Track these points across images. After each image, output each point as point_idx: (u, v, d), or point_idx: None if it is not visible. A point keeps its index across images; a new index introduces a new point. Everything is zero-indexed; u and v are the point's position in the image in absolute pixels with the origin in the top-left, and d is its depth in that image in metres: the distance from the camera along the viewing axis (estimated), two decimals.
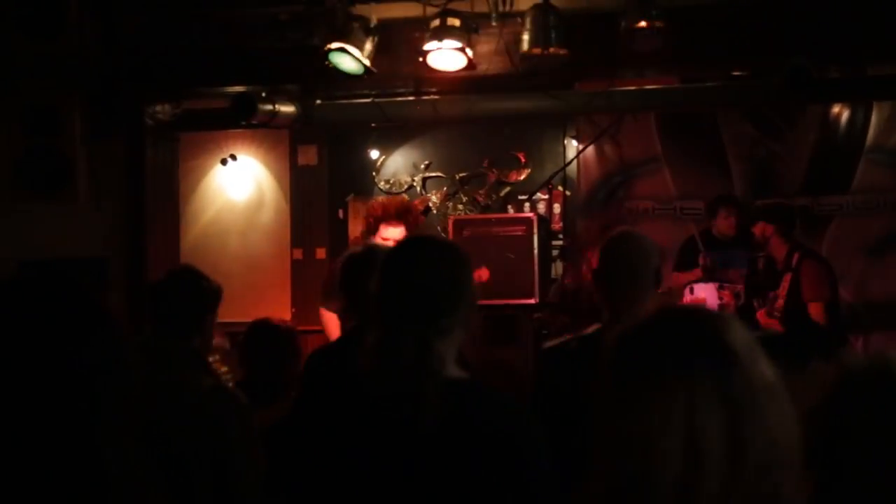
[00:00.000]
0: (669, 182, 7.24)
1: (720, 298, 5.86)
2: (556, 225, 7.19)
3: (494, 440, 1.89)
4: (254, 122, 5.74)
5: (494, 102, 5.97)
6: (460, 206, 7.41)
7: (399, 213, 5.55)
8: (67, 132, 5.16)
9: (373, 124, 6.73)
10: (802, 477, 1.27)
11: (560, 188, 7.19)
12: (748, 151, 7.12)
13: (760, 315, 5.72)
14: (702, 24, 4.94)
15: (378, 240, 5.43)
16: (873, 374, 1.39)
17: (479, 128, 7.19)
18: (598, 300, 3.00)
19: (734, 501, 1.23)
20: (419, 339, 1.92)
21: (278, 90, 5.77)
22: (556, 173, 7.02)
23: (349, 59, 5.00)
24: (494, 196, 7.38)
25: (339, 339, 3.78)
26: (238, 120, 5.70)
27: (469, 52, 4.99)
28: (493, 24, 5.06)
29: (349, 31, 4.97)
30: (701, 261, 6.13)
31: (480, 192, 7.40)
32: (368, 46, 5.04)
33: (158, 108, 5.78)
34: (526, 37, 4.90)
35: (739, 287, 6.00)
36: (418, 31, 5.05)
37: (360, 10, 5.06)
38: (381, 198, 6.51)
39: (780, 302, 5.66)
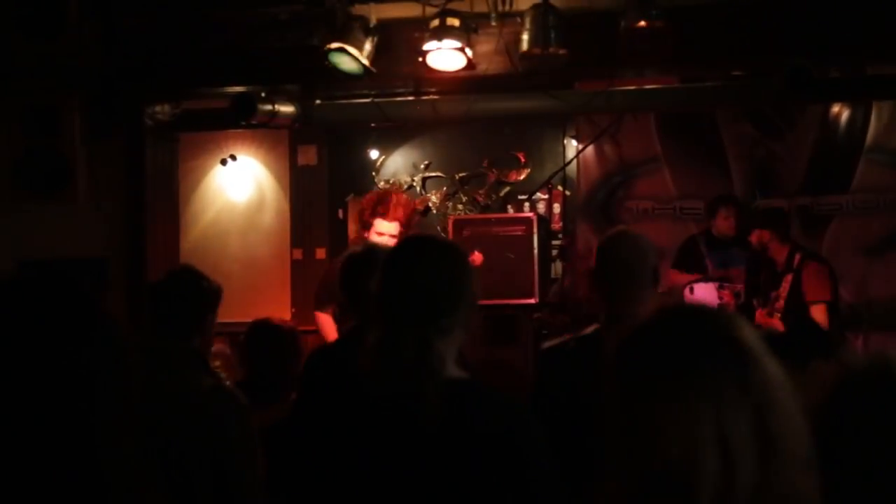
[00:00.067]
0: (669, 182, 7.24)
1: (720, 298, 5.87)
2: (556, 225, 7.19)
3: (495, 440, 1.89)
4: (253, 122, 5.74)
5: (494, 102, 5.96)
6: (460, 206, 7.41)
7: (394, 207, 5.53)
8: (67, 132, 5.15)
9: (372, 124, 6.74)
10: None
11: (560, 188, 7.19)
12: (748, 151, 7.12)
13: (760, 315, 5.72)
14: (702, 24, 4.94)
15: (373, 235, 5.42)
16: (873, 374, 1.39)
17: (479, 128, 7.19)
18: (596, 300, 3.00)
19: (770, 499, 1.22)
20: (419, 339, 1.92)
21: (278, 90, 5.76)
22: (556, 173, 7.03)
23: (349, 59, 5.00)
24: (494, 196, 7.37)
25: (339, 339, 3.78)
26: (238, 120, 5.69)
27: (468, 51, 4.98)
28: (493, 23, 5.05)
29: (348, 32, 4.97)
30: (709, 268, 6.16)
31: (480, 191, 7.40)
32: (368, 46, 5.04)
33: (158, 108, 5.78)
34: (525, 36, 4.90)
35: (739, 287, 6.01)
36: (418, 31, 5.04)
37: (359, 10, 5.05)
38: (373, 191, 6.47)
39: (781, 302, 5.66)
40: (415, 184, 7.49)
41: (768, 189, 7.02)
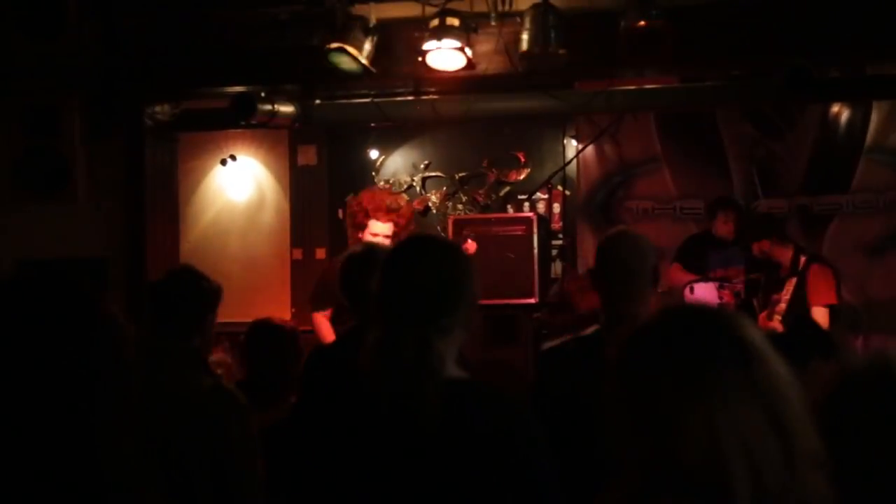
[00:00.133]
0: (669, 182, 7.24)
1: (720, 298, 5.86)
2: (556, 225, 7.19)
3: (495, 439, 1.89)
4: (253, 122, 5.74)
5: (494, 102, 5.96)
6: (460, 206, 7.41)
7: (389, 209, 5.50)
8: (67, 132, 5.15)
9: (372, 124, 6.74)
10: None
11: (560, 188, 7.20)
12: (748, 151, 7.12)
13: (761, 318, 5.71)
14: (702, 24, 4.93)
15: (367, 236, 5.40)
16: (873, 374, 1.39)
17: (479, 127, 7.19)
18: (594, 302, 3.00)
19: (794, 496, 1.22)
20: (419, 339, 1.91)
21: (278, 90, 5.76)
22: (556, 173, 7.03)
23: (348, 58, 5.00)
24: (494, 196, 7.37)
25: (339, 339, 3.77)
26: (237, 120, 5.70)
27: (468, 51, 4.98)
28: (493, 23, 5.04)
29: (348, 31, 4.97)
30: (709, 267, 6.16)
31: (480, 191, 7.40)
32: (367, 46, 5.04)
33: (158, 108, 5.78)
34: (525, 36, 4.89)
35: (739, 286, 6.00)
36: (417, 30, 5.04)
37: (359, 9, 5.05)
38: (366, 192, 6.38)
39: (783, 306, 5.64)
40: (414, 184, 7.49)
41: (768, 189, 7.02)
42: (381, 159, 7.56)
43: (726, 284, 5.97)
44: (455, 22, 4.94)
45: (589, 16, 5.03)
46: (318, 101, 6.05)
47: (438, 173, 7.49)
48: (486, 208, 7.30)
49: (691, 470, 1.23)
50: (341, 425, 2.05)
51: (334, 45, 4.94)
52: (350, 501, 2.01)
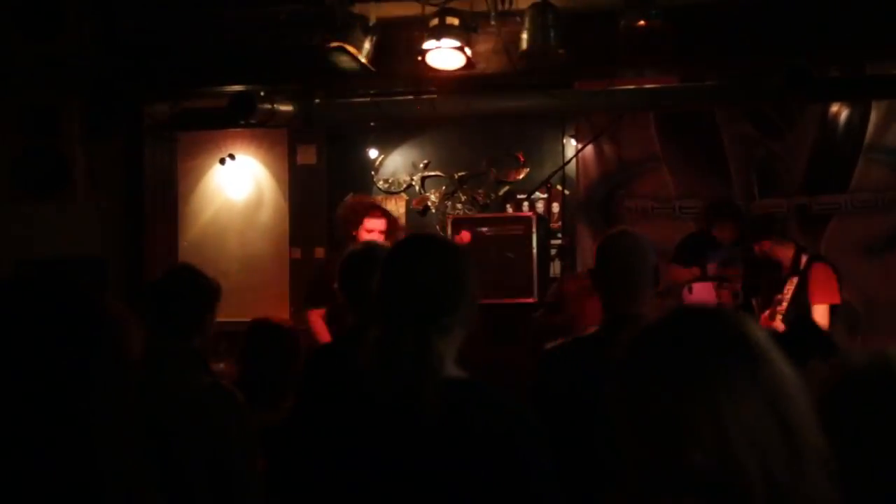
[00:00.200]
0: (668, 181, 7.23)
1: (719, 297, 5.85)
2: (555, 224, 7.19)
3: (494, 440, 1.89)
4: (252, 121, 5.74)
5: (493, 101, 5.96)
6: (459, 206, 7.40)
7: (378, 205, 5.58)
8: (66, 132, 5.16)
9: (372, 123, 6.74)
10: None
11: (559, 187, 7.20)
12: (748, 151, 7.11)
13: (763, 318, 5.69)
14: (702, 23, 4.94)
15: (363, 234, 5.43)
16: (873, 373, 1.39)
17: (478, 127, 7.19)
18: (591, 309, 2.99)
19: (802, 494, 1.22)
20: (419, 338, 1.91)
21: (277, 89, 5.76)
22: (555, 172, 7.03)
23: (348, 58, 5.00)
24: (493, 195, 7.37)
25: (339, 339, 3.77)
26: (237, 119, 5.70)
27: (468, 51, 4.98)
28: (492, 22, 5.05)
29: (348, 31, 4.97)
30: (707, 266, 6.14)
31: (479, 191, 7.39)
32: (367, 46, 5.04)
33: (157, 107, 5.78)
34: (525, 36, 4.89)
35: (738, 286, 5.99)
36: (417, 30, 5.04)
37: (359, 9, 5.05)
38: (351, 198, 6.41)
39: (784, 305, 5.64)
40: (414, 183, 7.49)
41: (767, 189, 7.02)
42: (380, 159, 7.56)
43: (725, 284, 5.96)
44: (455, 21, 4.94)
45: (588, 15, 5.04)
46: (317, 101, 6.05)
47: (438, 173, 7.48)
48: (485, 208, 7.30)
49: (701, 470, 1.23)
50: (341, 425, 2.05)
51: (334, 44, 4.94)
52: (350, 501, 2.01)
